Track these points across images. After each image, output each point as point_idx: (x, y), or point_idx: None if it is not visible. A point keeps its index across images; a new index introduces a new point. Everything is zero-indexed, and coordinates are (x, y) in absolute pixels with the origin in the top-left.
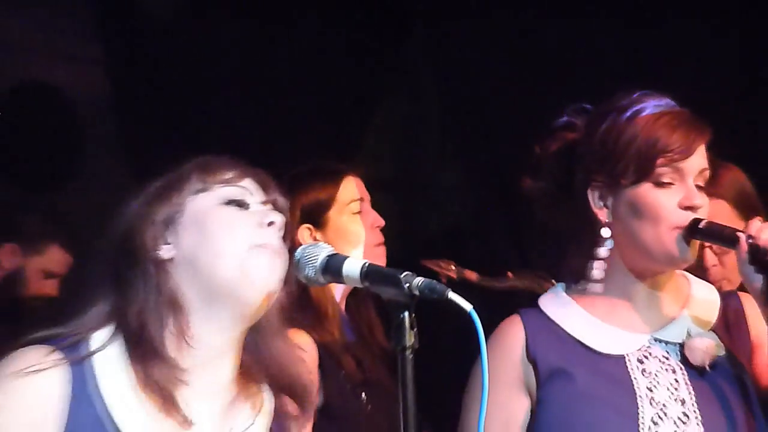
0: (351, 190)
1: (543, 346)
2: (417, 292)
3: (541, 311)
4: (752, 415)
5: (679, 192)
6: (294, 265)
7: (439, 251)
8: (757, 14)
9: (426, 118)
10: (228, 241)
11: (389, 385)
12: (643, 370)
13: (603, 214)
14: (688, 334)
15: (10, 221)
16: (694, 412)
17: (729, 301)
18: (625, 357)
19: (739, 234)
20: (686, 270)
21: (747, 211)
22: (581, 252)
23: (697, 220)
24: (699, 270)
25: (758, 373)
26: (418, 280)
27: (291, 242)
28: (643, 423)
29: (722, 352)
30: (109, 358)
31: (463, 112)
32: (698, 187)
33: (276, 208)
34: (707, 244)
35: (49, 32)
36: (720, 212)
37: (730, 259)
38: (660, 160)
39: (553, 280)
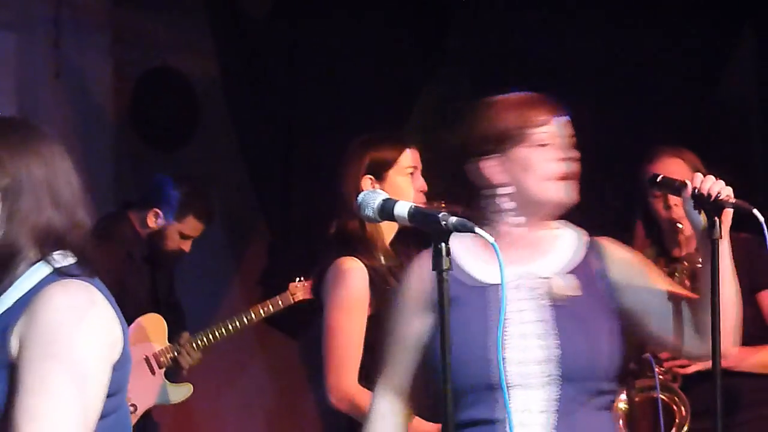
0: (410, 158)
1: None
2: (452, 228)
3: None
4: (608, 341)
5: (552, 149)
6: (357, 205)
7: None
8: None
9: (459, 96)
10: None
11: None
12: (516, 297)
13: (499, 178)
14: (553, 272)
15: (162, 194)
16: (553, 330)
17: (592, 245)
18: (488, 286)
19: (686, 182)
20: (648, 212)
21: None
22: (482, 207)
23: (655, 175)
24: (665, 210)
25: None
26: (453, 219)
27: (355, 186)
28: (510, 336)
29: (576, 293)
30: None
31: (488, 92)
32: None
33: None
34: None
35: (174, 30)
36: (678, 168)
37: None
38: (530, 129)
39: None
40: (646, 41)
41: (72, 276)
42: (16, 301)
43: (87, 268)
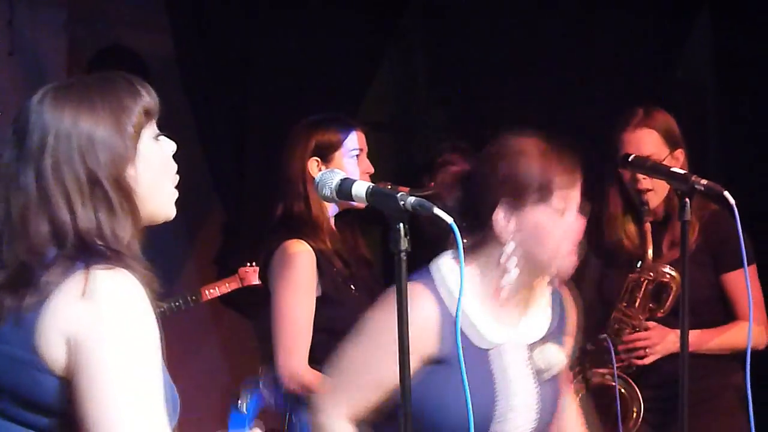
0: (356, 140)
1: (447, 330)
2: (410, 208)
3: (439, 294)
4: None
5: (568, 217)
6: (314, 186)
7: (422, 176)
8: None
9: (415, 74)
10: (165, 178)
11: (369, 279)
12: (501, 364)
13: (508, 229)
14: (538, 341)
15: None
16: (537, 404)
17: (555, 297)
18: (489, 350)
19: (657, 162)
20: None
21: (671, 142)
22: (487, 253)
23: (627, 155)
24: (635, 195)
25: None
26: (411, 199)
27: (301, 168)
28: (498, 410)
29: (563, 361)
30: None
31: (443, 70)
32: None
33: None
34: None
35: (129, 8)
36: (651, 140)
37: (658, 184)
38: (556, 190)
39: None
40: (602, 23)
41: None
42: None
43: None
